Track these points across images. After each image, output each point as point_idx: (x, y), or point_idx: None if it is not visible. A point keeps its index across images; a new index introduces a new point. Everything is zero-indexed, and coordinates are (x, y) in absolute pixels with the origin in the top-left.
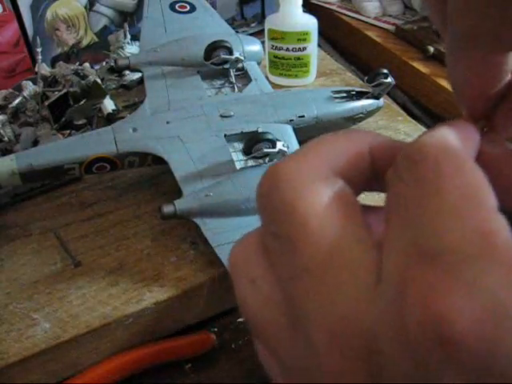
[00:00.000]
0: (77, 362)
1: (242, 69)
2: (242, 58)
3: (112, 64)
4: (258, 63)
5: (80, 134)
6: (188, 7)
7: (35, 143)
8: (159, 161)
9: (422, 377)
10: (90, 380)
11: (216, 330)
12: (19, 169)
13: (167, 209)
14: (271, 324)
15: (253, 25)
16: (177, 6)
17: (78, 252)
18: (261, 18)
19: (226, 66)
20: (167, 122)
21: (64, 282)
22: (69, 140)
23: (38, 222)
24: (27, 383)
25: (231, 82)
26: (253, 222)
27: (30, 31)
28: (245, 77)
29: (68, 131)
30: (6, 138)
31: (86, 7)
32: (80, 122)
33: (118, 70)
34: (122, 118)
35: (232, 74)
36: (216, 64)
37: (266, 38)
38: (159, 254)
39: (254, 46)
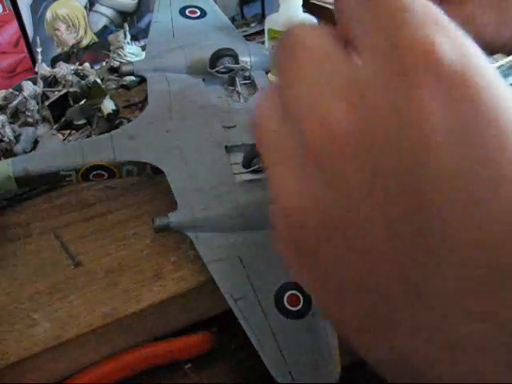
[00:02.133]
0: (77, 362)
1: (249, 77)
2: (248, 66)
3: (112, 64)
4: (266, 72)
5: (78, 139)
6: (198, 12)
7: (35, 143)
8: (158, 171)
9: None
10: (90, 380)
11: (216, 330)
12: (15, 173)
13: (160, 221)
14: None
15: (253, 25)
16: (187, 12)
17: (78, 252)
18: (261, 17)
19: (232, 74)
20: (167, 131)
21: (64, 282)
22: (66, 146)
23: (37, 222)
24: (27, 383)
25: (237, 92)
26: (247, 238)
27: (30, 31)
28: (252, 86)
29: (68, 131)
30: (5, 138)
31: (85, 7)
32: (80, 122)
33: (121, 76)
34: (122, 117)
35: (238, 82)
36: (221, 72)
37: (266, 38)
38: (159, 253)
39: (262, 55)
